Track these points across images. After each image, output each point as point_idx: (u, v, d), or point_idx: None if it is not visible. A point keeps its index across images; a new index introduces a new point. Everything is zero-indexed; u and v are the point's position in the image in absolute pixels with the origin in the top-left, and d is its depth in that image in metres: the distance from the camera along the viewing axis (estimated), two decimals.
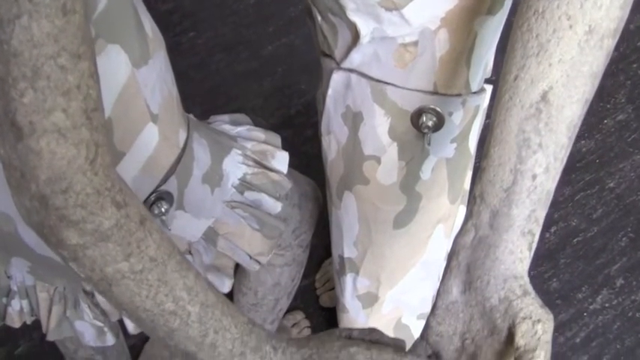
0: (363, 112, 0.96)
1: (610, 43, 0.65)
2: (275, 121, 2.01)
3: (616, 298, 1.81)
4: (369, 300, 1.16)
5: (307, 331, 1.77)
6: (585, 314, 1.79)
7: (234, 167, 0.98)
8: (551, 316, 0.65)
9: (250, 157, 1.01)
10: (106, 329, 0.99)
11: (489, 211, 0.67)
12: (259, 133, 1.05)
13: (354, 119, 0.97)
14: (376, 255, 1.09)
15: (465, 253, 0.69)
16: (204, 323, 0.64)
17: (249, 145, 1.02)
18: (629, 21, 2.18)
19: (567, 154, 0.68)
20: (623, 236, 1.88)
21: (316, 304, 1.81)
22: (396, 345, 0.72)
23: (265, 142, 1.04)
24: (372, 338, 0.72)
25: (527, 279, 0.67)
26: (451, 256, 0.70)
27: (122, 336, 1.39)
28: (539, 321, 0.64)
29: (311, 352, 0.69)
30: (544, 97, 0.65)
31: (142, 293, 0.61)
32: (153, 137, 0.84)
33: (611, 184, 1.95)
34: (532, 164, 0.65)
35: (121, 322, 1.26)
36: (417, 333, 1.19)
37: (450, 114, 0.94)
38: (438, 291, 0.71)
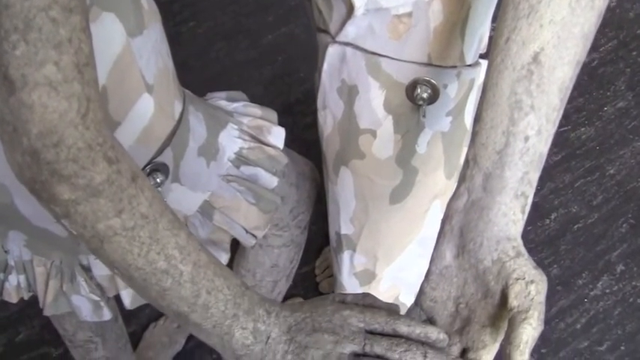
0: (358, 85, 0.96)
1: (601, 4, 0.65)
2: (275, 109, 1.99)
3: (617, 284, 1.81)
4: (367, 277, 1.16)
5: None
6: (586, 300, 1.79)
7: (230, 141, 0.98)
8: (544, 277, 0.65)
9: (246, 131, 1.01)
10: (102, 303, 1.00)
11: (482, 174, 0.67)
12: (256, 109, 1.05)
13: (350, 93, 0.98)
14: (373, 231, 1.09)
15: (458, 216, 0.69)
16: (196, 283, 0.64)
17: (245, 120, 1.02)
18: (628, 9, 2.18)
19: (559, 116, 0.68)
20: (623, 223, 1.88)
21: (316, 291, 1.81)
22: (390, 309, 0.72)
23: (262, 118, 1.05)
24: (366, 302, 0.72)
25: (520, 241, 0.67)
26: (444, 220, 0.70)
27: (121, 319, 1.39)
28: (532, 282, 0.64)
29: (304, 316, 0.69)
30: (535, 58, 0.65)
31: (133, 251, 0.61)
32: (148, 108, 0.84)
33: (612, 171, 1.95)
34: (524, 126, 0.65)
35: (119, 303, 1.26)
36: None
37: (445, 86, 0.94)
38: (432, 256, 0.71)
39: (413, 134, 0.98)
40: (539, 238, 1.86)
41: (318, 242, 1.85)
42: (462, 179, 0.69)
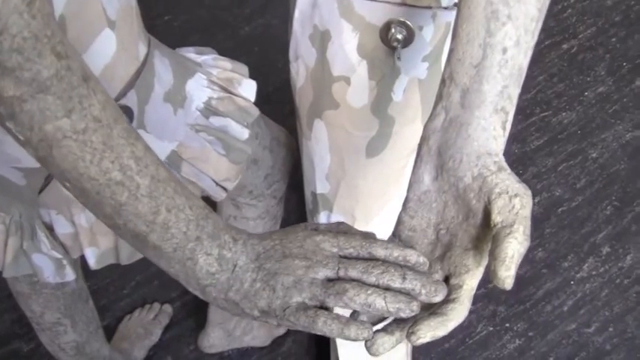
0: (331, 29, 0.92)
1: None
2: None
3: (602, 265, 1.77)
4: None
5: None
6: (572, 282, 1.75)
7: (199, 90, 0.94)
8: (529, 192, 0.61)
9: (216, 82, 0.97)
10: (65, 262, 0.94)
11: (459, 90, 0.64)
12: (226, 62, 1.02)
13: (322, 39, 0.94)
14: (350, 187, 1.04)
15: (436, 136, 0.65)
16: (155, 198, 0.60)
17: (214, 71, 0.99)
18: None
19: (538, 28, 0.64)
20: (607, 205, 1.85)
21: None
22: (366, 235, 0.68)
23: (232, 71, 1.01)
24: (340, 230, 0.68)
25: (502, 157, 0.63)
26: (421, 143, 0.66)
27: (92, 302, 1.34)
28: (516, 195, 0.60)
29: (273, 244, 0.65)
30: None
31: (85, 157, 0.57)
32: (110, 45, 0.80)
33: (594, 154, 1.92)
34: (502, 37, 0.62)
35: (86, 282, 1.21)
36: None
37: (420, 28, 0.91)
38: (410, 182, 0.67)
39: (388, 80, 0.95)
40: None
41: None
42: (438, 99, 0.66)
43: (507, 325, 1.70)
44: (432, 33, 0.92)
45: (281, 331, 1.70)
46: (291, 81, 1.03)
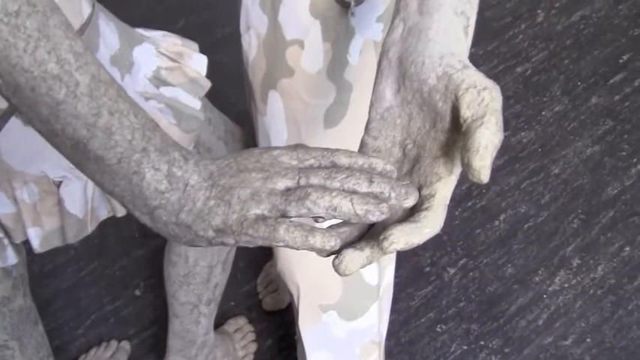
0: None
1: None
2: None
3: (574, 277, 1.73)
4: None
5: (251, 336, 1.64)
6: (545, 296, 1.70)
7: (147, 58, 0.90)
8: (497, 86, 0.57)
9: (165, 54, 0.93)
10: (5, 242, 0.87)
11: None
12: (176, 39, 0.98)
13: (273, 3, 0.91)
14: None
15: (395, 47, 0.61)
16: (96, 99, 0.55)
17: (163, 44, 0.95)
18: (555, 22, 2.20)
19: None
20: (574, 218, 1.82)
21: (259, 309, 1.69)
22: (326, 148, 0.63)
23: (183, 46, 0.97)
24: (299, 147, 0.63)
25: (466, 57, 0.59)
26: (380, 58, 0.62)
27: (42, 326, 1.25)
28: (485, 88, 0.56)
29: (228, 162, 0.60)
30: None
31: (18, 45, 0.51)
32: None
33: (556, 171, 1.90)
34: None
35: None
36: None
37: None
38: (370, 102, 0.63)
39: (343, 41, 0.91)
40: (490, 239, 1.78)
41: (259, 259, 1.74)
42: (395, 12, 0.63)
43: (482, 342, 1.63)
44: None
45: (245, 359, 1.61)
46: (243, 56, 0.99)
